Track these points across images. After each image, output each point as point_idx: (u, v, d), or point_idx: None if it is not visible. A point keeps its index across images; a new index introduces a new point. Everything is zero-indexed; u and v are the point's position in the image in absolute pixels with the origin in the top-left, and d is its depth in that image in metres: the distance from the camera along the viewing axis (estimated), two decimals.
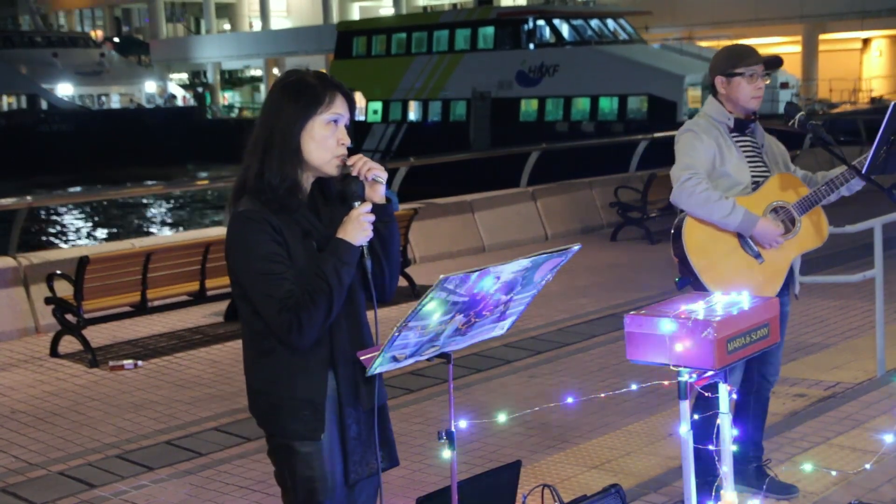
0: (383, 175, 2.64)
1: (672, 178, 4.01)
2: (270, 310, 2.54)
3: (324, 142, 2.62)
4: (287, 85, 2.64)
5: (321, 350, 2.62)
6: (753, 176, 4.06)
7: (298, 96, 2.61)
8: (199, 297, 7.97)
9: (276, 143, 2.60)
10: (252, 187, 2.61)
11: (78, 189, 30.80)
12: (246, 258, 2.57)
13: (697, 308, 3.06)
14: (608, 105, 30.41)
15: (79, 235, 26.40)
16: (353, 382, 2.67)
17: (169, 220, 28.75)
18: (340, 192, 2.65)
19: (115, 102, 54.37)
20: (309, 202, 2.68)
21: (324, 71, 2.92)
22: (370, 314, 2.79)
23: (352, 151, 2.72)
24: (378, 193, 2.65)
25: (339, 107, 2.64)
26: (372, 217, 2.60)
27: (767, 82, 4.14)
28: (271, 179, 2.58)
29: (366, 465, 2.72)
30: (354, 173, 2.62)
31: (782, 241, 3.98)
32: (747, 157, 4.09)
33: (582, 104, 30.89)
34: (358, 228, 2.57)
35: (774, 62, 4.07)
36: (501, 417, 3.47)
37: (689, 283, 3.99)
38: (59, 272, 7.55)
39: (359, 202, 2.60)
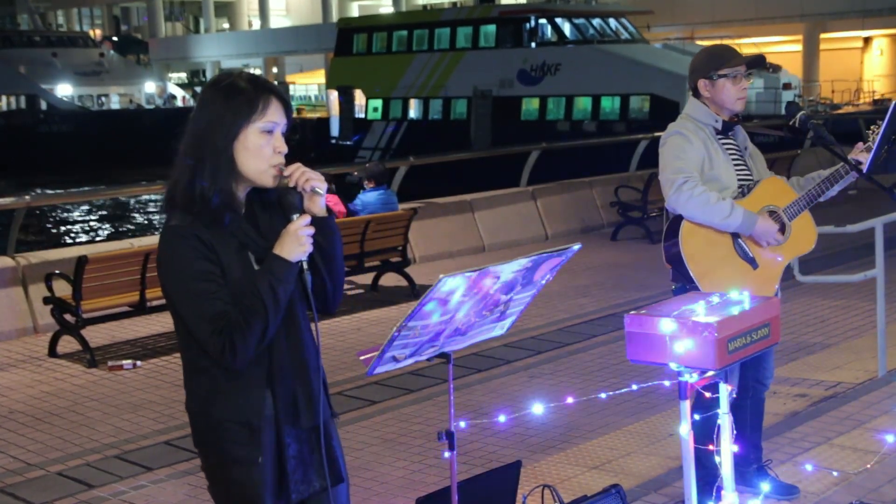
0: (322, 186, 2.45)
1: (664, 183, 3.94)
2: (202, 331, 2.41)
3: (258, 151, 2.45)
4: (219, 90, 2.47)
5: (258, 369, 2.49)
6: (739, 179, 4.03)
7: (230, 103, 2.44)
8: None
9: (208, 154, 2.44)
10: (183, 199, 2.46)
11: (78, 189, 30.78)
12: (177, 277, 2.45)
13: (698, 308, 3.05)
14: (610, 104, 30.40)
15: (77, 234, 26.40)
16: (292, 400, 2.52)
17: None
18: (278, 201, 2.50)
19: (114, 103, 54.37)
20: (246, 210, 2.53)
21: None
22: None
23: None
24: (318, 205, 2.47)
25: (274, 114, 2.47)
26: (311, 230, 2.43)
27: (751, 82, 4.10)
28: (204, 192, 2.43)
29: (308, 484, 2.58)
30: (292, 184, 2.44)
31: (780, 238, 3.95)
32: (732, 160, 4.05)
33: (584, 103, 30.86)
34: (294, 243, 2.41)
35: (757, 61, 4.03)
36: (501, 417, 3.46)
37: (686, 291, 3.96)
38: (57, 272, 7.53)
39: (297, 215, 2.44)
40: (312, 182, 2.44)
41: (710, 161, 3.97)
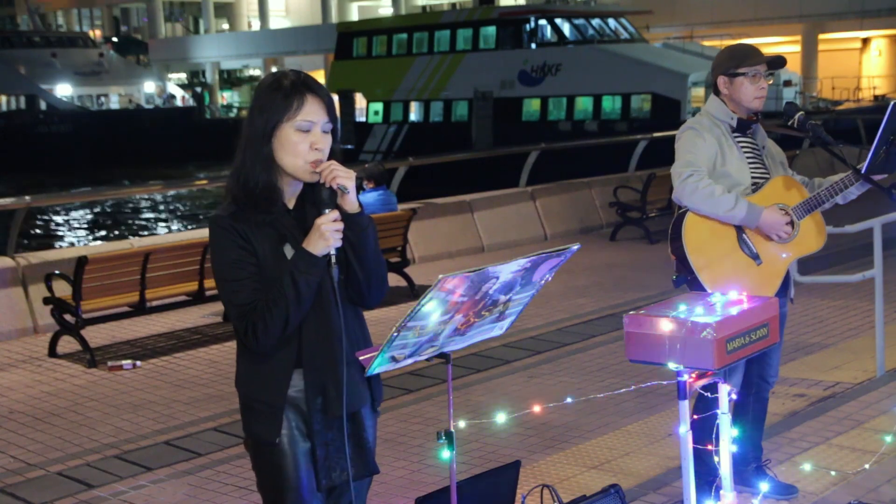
0: (349, 184, 2.52)
1: (673, 176, 3.99)
2: (232, 315, 2.58)
3: (293, 148, 2.55)
4: (264, 87, 2.60)
5: (286, 353, 2.60)
6: (753, 177, 4.05)
7: (269, 100, 2.56)
8: (198, 298, 7.97)
9: (249, 148, 2.58)
10: (230, 190, 2.61)
11: (78, 189, 30.76)
12: (215, 264, 2.60)
13: (697, 308, 3.05)
14: (611, 104, 30.41)
15: (77, 235, 26.40)
16: (321, 388, 2.61)
17: (167, 220, 28.75)
18: (313, 196, 2.60)
19: (113, 103, 54.40)
20: (297, 205, 2.64)
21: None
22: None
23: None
24: (348, 201, 2.55)
25: (311, 112, 2.56)
26: (339, 226, 2.51)
27: (770, 82, 4.12)
28: (247, 183, 2.57)
29: (340, 472, 2.65)
30: (321, 180, 2.54)
31: (789, 230, 3.95)
32: (747, 157, 4.08)
33: (585, 104, 30.87)
34: (319, 238, 2.50)
35: (777, 62, 4.06)
36: (501, 417, 3.46)
37: (686, 281, 3.98)
38: (57, 272, 7.54)
39: (328, 209, 2.52)
40: (339, 179, 2.52)
41: (723, 157, 4.01)
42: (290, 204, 2.64)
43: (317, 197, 2.55)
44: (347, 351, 2.62)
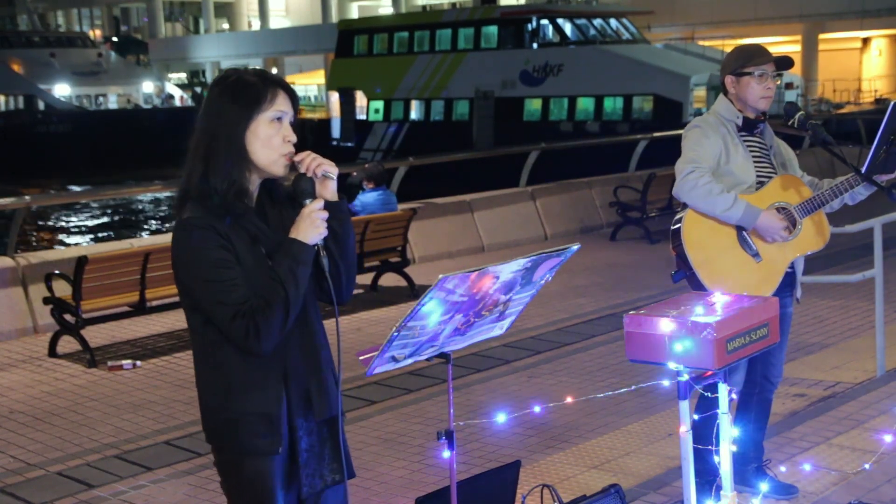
0: (333, 171, 2.53)
1: (676, 172, 4.01)
2: (224, 317, 2.44)
3: (269, 140, 2.52)
4: (227, 85, 2.55)
5: (274, 360, 2.52)
6: (759, 176, 4.06)
7: (239, 96, 2.52)
8: None
9: (220, 146, 2.50)
10: (196, 193, 2.51)
11: (77, 189, 30.78)
12: (195, 267, 2.47)
13: (697, 308, 3.05)
14: (612, 105, 30.40)
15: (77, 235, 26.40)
16: (304, 393, 2.57)
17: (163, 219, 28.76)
18: (290, 191, 2.57)
19: (112, 103, 54.35)
20: (256, 206, 2.58)
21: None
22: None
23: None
24: (330, 190, 2.54)
25: (282, 104, 2.55)
26: (325, 214, 2.50)
27: (778, 83, 4.13)
28: (217, 184, 2.49)
29: (320, 478, 2.62)
30: (303, 170, 2.52)
31: (786, 235, 3.96)
32: (754, 157, 4.09)
33: (586, 104, 30.85)
34: (311, 226, 2.48)
35: (785, 62, 4.06)
36: (501, 417, 3.46)
37: (685, 276, 3.98)
38: (57, 272, 7.54)
39: (310, 199, 2.51)
40: (324, 167, 2.52)
41: (727, 156, 4.02)
42: (252, 203, 2.60)
43: (296, 188, 2.52)
44: (328, 352, 2.61)
